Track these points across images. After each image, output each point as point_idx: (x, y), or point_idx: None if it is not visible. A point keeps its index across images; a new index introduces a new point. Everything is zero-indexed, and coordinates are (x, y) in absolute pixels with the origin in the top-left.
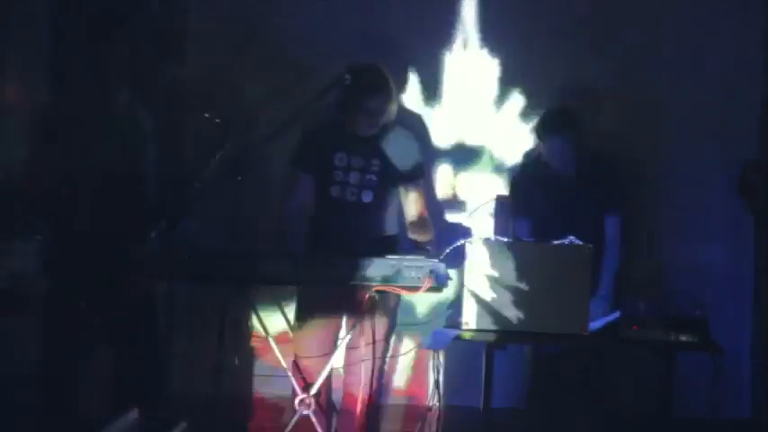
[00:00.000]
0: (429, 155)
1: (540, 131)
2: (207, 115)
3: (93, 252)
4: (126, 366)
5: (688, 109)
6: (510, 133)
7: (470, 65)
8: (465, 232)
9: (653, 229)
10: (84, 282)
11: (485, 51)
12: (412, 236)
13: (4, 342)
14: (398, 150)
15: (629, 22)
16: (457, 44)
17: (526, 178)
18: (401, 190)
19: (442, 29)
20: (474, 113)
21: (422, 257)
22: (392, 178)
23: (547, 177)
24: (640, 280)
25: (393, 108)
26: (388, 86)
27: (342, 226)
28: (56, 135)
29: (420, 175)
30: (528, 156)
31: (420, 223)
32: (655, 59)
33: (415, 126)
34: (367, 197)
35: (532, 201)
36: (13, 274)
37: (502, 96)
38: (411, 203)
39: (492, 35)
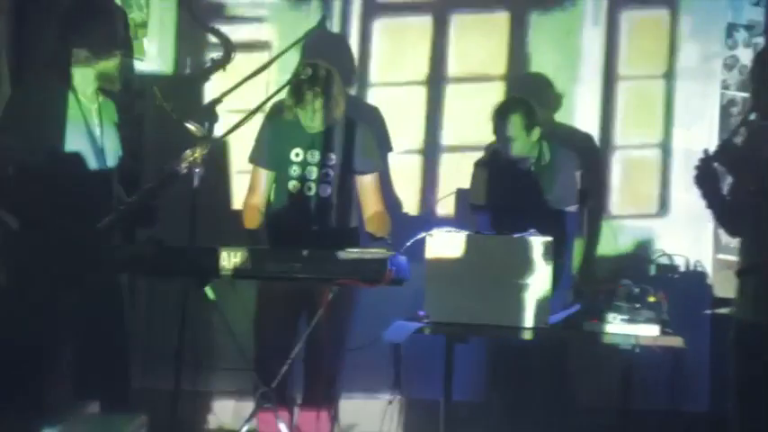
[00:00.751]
0: (386, 148)
1: (493, 117)
2: (164, 105)
3: (56, 245)
4: (86, 360)
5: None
6: (473, 124)
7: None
8: (425, 225)
9: (612, 220)
10: (46, 274)
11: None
12: (369, 229)
13: None
14: (355, 144)
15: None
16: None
17: (486, 170)
18: (358, 183)
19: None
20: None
21: (382, 250)
22: (349, 172)
23: (507, 169)
24: (601, 272)
25: (341, 103)
26: (333, 82)
27: (301, 221)
28: (18, 125)
29: (376, 168)
30: (488, 148)
31: (377, 217)
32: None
33: (372, 119)
34: (325, 191)
35: (493, 193)
36: None
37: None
38: (368, 197)
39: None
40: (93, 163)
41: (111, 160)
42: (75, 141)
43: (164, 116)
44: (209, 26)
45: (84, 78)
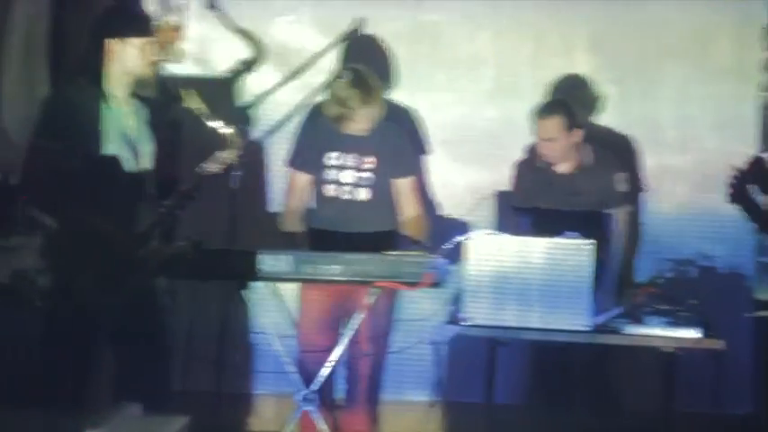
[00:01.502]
0: (422, 150)
1: (533, 118)
2: (193, 107)
3: (94, 248)
4: (128, 363)
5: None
6: (514, 127)
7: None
8: (464, 227)
9: (654, 223)
10: (85, 278)
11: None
12: (407, 233)
13: (5, 339)
14: (391, 147)
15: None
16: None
17: (528, 172)
18: (395, 186)
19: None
20: (474, 105)
21: (422, 253)
22: (386, 175)
23: (548, 171)
24: (642, 275)
25: (381, 108)
26: (376, 89)
27: (339, 225)
28: (56, 130)
29: (412, 171)
30: (530, 150)
31: (414, 220)
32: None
33: (407, 122)
34: (362, 195)
35: (534, 195)
36: (13, 271)
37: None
38: (404, 200)
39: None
40: (128, 166)
41: (147, 163)
42: (110, 144)
43: (200, 119)
44: (239, 27)
45: (118, 81)
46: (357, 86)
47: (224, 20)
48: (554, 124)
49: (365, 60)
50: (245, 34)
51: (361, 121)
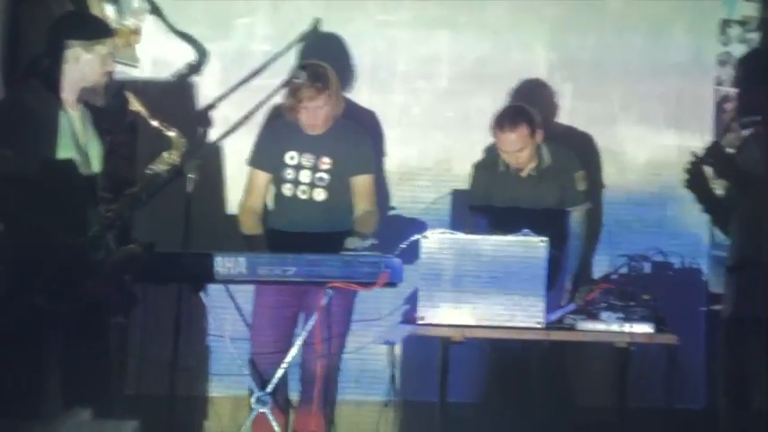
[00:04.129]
0: (380, 152)
1: (494, 128)
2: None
3: (47, 250)
4: (78, 366)
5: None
6: (470, 126)
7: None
8: (420, 227)
9: (609, 219)
10: (37, 280)
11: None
12: (357, 228)
13: None
14: (349, 146)
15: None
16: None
17: (487, 174)
18: (352, 184)
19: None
20: (431, 105)
21: (377, 253)
22: (343, 175)
23: (506, 172)
24: (596, 271)
25: (338, 106)
26: (329, 84)
27: (296, 225)
28: (9, 133)
29: (370, 170)
30: (488, 150)
31: (367, 215)
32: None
33: (367, 123)
34: (319, 196)
35: (491, 195)
36: None
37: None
38: (360, 197)
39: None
40: (79, 170)
41: (96, 167)
42: (61, 148)
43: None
44: (180, 32)
45: (71, 85)
46: (309, 78)
47: (165, 23)
48: (518, 136)
49: (323, 58)
50: (186, 38)
51: (312, 116)
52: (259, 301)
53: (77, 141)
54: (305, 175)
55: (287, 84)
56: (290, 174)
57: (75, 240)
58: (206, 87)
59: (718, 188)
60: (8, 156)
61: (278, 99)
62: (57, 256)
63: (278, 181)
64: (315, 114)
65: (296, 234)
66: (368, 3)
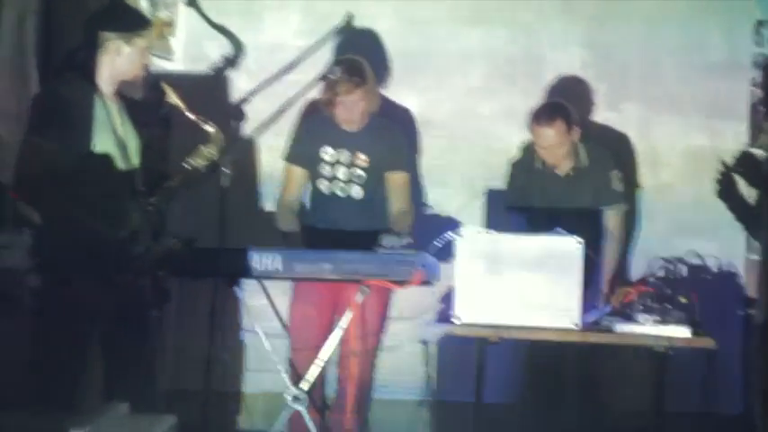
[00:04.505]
0: (415, 149)
1: (532, 123)
2: (175, 101)
3: (83, 247)
4: (115, 361)
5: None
6: (506, 124)
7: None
8: (455, 226)
9: (648, 221)
10: (74, 277)
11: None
12: (393, 225)
13: None
14: (385, 144)
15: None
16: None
17: (523, 172)
18: (387, 180)
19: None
20: (466, 102)
21: (413, 251)
22: (379, 172)
23: (543, 170)
24: (633, 273)
25: (374, 101)
26: (366, 79)
27: (333, 221)
28: (47, 126)
29: (406, 167)
30: (525, 149)
31: (402, 214)
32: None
33: (403, 120)
34: (356, 193)
35: (528, 193)
36: (2, 269)
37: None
38: (395, 194)
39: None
40: (118, 162)
41: (135, 160)
42: (100, 141)
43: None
44: (216, 24)
45: (108, 78)
46: (346, 73)
47: (202, 16)
48: (555, 131)
49: (357, 53)
50: (223, 31)
51: (349, 111)
52: (297, 298)
53: (116, 134)
54: (342, 172)
55: (322, 79)
56: (326, 170)
57: (115, 234)
58: (239, 81)
59: (750, 196)
60: (43, 146)
61: (313, 94)
62: (96, 250)
63: (314, 177)
64: (351, 109)
65: (332, 231)
66: None
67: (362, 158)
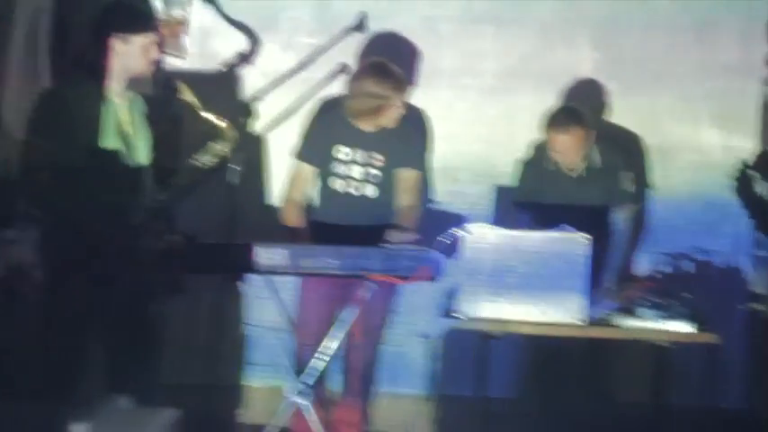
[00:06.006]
0: (427, 148)
1: (547, 128)
2: (189, 99)
3: (88, 242)
4: (120, 353)
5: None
6: (516, 123)
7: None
8: (462, 222)
9: (654, 219)
10: (79, 272)
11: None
12: (399, 221)
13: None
14: (401, 143)
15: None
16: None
17: (533, 171)
18: (398, 176)
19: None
20: (476, 101)
21: (418, 247)
22: (393, 171)
23: (555, 171)
24: (639, 269)
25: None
26: (403, 77)
27: (345, 220)
28: (54, 124)
29: (417, 166)
30: (536, 147)
31: (409, 209)
32: (659, 52)
33: (418, 120)
34: (370, 192)
35: (539, 192)
36: (9, 265)
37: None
38: (404, 190)
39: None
40: (124, 160)
41: (144, 157)
42: (106, 139)
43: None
44: (233, 20)
45: (117, 76)
46: (387, 77)
47: (219, 12)
48: (572, 137)
49: (383, 54)
50: (240, 27)
51: (396, 110)
52: (304, 293)
53: (122, 131)
54: (357, 171)
55: (336, 75)
56: (341, 169)
57: (117, 230)
58: (250, 79)
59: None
60: (48, 145)
61: (325, 92)
62: (100, 246)
63: (326, 175)
64: (395, 108)
65: (338, 227)
66: None
67: (379, 158)
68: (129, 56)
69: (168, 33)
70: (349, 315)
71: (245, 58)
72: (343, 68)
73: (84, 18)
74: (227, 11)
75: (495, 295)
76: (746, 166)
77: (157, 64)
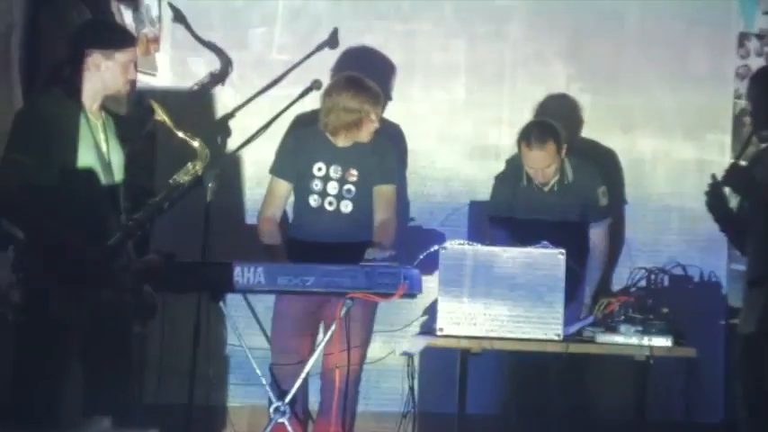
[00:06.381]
0: (402, 162)
1: (521, 143)
2: (162, 118)
3: (66, 262)
4: (98, 375)
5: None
6: (488, 138)
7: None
8: (439, 238)
9: (629, 234)
10: (57, 292)
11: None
12: (377, 240)
13: None
14: (375, 158)
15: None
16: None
17: (508, 187)
18: (376, 192)
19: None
20: (449, 116)
21: (396, 264)
22: (368, 186)
23: (529, 186)
24: (615, 284)
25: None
26: (378, 91)
27: (321, 236)
28: (30, 142)
29: (393, 180)
30: (510, 163)
31: (386, 223)
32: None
33: (393, 135)
34: (346, 208)
35: (513, 208)
36: None
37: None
38: (380, 205)
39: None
40: (100, 179)
41: (118, 176)
42: (83, 157)
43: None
44: (204, 40)
45: (93, 94)
46: (363, 91)
47: (190, 32)
48: (546, 153)
49: (357, 69)
50: (210, 46)
51: (372, 125)
52: (279, 310)
53: (99, 149)
54: (332, 187)
55: (308, 92)
56: (317, 185)
57: (94, 249)
58: (224, 97)
59: (735, 207)
60: (25, 163)
61: (298, 109)
62: (76, 265)
63: (301, 191)
64: (372, 122)
65: (316, 244)
66: (387, 13)
67: (354, 174)
68: (109, 72)
69: (141, 52)
70: (327, 333)
71: (216, 77)
72: (316, 84)
73: (58, 34)
74: (198, 27)
75: (474, 311)
76: (717, 180)
77: (133, 83)
